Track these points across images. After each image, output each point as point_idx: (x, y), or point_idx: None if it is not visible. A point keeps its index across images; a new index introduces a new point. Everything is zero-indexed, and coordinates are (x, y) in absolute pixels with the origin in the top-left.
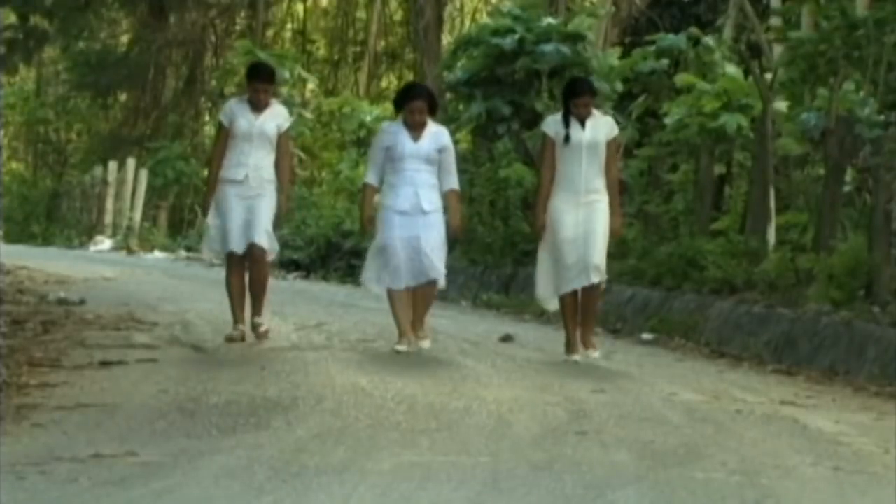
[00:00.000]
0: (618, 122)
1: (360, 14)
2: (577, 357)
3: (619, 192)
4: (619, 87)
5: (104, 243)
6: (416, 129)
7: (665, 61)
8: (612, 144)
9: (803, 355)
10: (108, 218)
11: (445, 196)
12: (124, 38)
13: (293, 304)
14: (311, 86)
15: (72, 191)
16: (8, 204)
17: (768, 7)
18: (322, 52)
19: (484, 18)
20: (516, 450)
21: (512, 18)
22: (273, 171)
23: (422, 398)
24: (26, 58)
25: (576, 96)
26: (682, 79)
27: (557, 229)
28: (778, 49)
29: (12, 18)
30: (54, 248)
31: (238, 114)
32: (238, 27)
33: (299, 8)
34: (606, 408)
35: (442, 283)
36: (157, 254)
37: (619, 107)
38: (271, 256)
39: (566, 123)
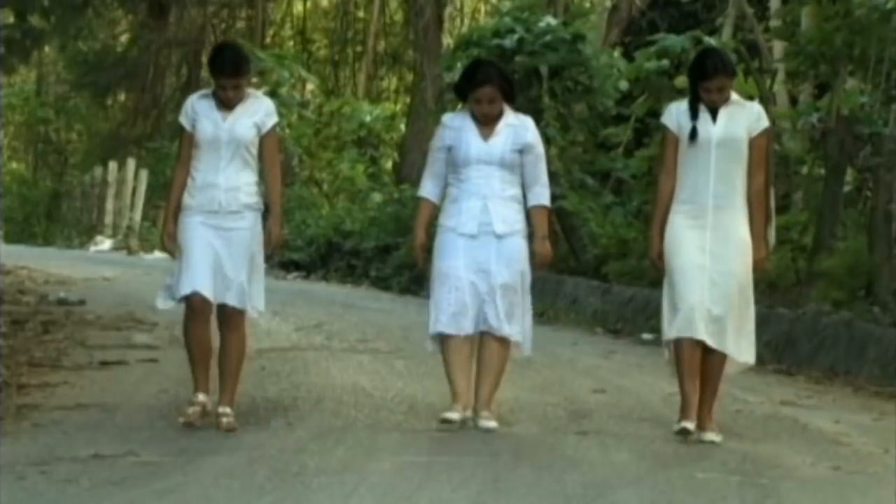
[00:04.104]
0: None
1: (361, 14)
2: (688, 425)
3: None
4: (624, 85)
5: (104, 243)
6: (486, 124)
7: (666, 62)
8: (757, 142)
9: (803, 355)
10: (108, 218)
11: (530, 214)
12: (123, 38)
13: (293, 304)
14: (310, 86)
15: (72, 191)
16: (8, 204)
17: (767, 8)
18: (322, 53)
19: (484, 18)
20: (516, 450)
21: (512, 18)
22: (254, 190)
23: (422, 398)
24: (24, 57)
25: (705, 78)
26: (683, 81)
27: (675, 254)
28: (778, 51)
29: (10, 18)
30: (54, 249)
31: (201, 113)
32: (238, 27)
33: (299, 8)
34: (606, 408)
35: (522, 350)
36: (158, 254)
37: (620, 107)
38: (253, 314)
39: (693, 114)
